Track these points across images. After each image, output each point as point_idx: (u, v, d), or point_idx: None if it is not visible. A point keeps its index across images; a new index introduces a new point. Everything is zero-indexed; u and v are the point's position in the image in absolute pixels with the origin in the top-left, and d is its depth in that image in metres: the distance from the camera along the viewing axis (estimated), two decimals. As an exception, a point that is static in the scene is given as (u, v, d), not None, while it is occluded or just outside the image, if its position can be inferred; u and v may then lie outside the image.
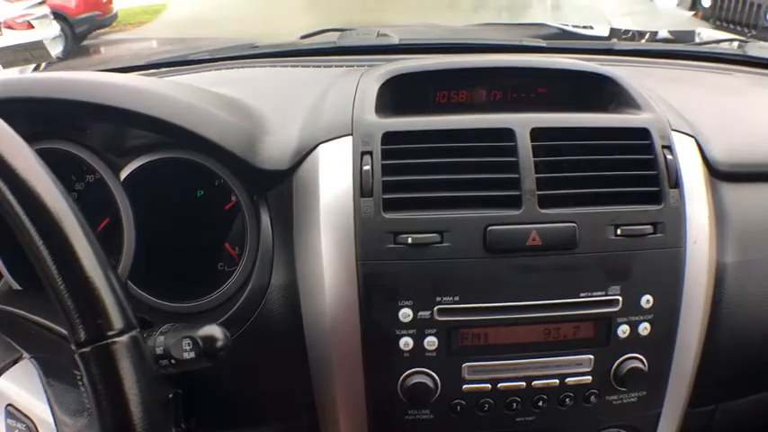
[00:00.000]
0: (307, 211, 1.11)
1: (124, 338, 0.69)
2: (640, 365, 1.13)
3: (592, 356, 1.13)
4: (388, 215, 1.06)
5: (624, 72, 1.29)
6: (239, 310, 1.13)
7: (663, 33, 2.51)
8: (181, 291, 1.18)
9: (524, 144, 1.09)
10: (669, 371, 1.17)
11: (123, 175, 1.18)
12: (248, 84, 1.46)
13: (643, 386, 1.16)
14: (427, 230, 1.06)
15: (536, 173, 1.09)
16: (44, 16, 4.98)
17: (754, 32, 2.49)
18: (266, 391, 1.21)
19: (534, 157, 1.09)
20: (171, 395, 1.04)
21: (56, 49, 1.82)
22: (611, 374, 1.14)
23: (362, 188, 1.07)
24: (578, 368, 1.13)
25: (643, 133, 1.14)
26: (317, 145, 1.13)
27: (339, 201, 1.08)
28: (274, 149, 1.15)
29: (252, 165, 1.12)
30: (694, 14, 2.62)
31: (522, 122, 1.11)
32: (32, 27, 2.47)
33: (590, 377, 1.13)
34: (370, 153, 1.08)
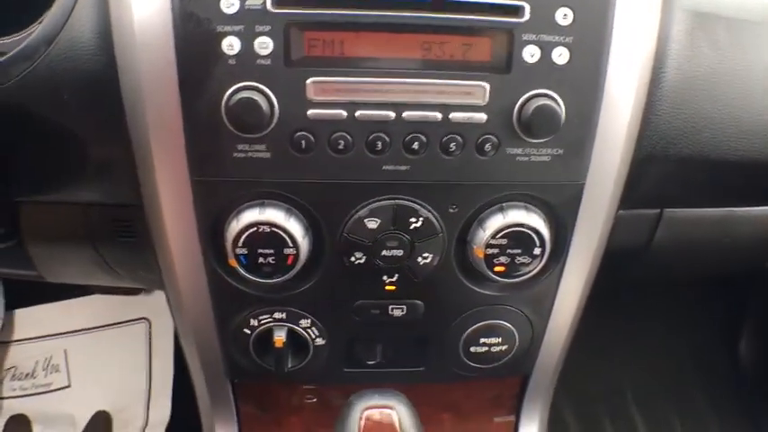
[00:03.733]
0: None
1: None
2: (554, 105, 0.83)
3: (487, 85, 0.83)
4: None
5: None
6: (49, 23, 0.85)
7: None
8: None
9: None
10: (594, 120, 0.87)
11: None
12: None
13: (558, 140, 0.86)
14: None
15: None
16: None
17: None
18: (82, 136, 0.92)
19: None
20: None
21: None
22: (515, 115, 0.84)
23: None
24: (468, 99, 0.84)
25: None
26: None
27: None
28: None
29: None
30: None
31: None
32: None
33: (484, 115, 0.84)
34: None
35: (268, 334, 1.00)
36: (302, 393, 1.14)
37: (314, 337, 1.00)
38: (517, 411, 1.16)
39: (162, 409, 2.07)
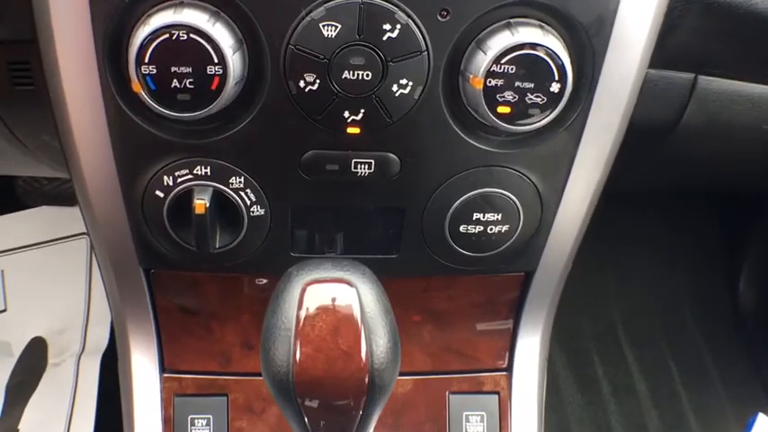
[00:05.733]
0: None
1: None
2: None
3: None
4: None
5: None
6: None
7: None
8: None
9: None
10: None
11: None
12: None
13: None
14: None
15: None
16: None
17: None
18: None
19: None
20: None
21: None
22: None
23: None
24: None
25: None
26: None
27: None
28: None
29: None
30: None
31: None
32: None
33: None
34: None
35: (187, 199, 0.73)
36: (239, 286, 0.88)
37: (249, 203, 0.75)
38: (516, 318, 0.91)
39: (100, 335, 1.95)
